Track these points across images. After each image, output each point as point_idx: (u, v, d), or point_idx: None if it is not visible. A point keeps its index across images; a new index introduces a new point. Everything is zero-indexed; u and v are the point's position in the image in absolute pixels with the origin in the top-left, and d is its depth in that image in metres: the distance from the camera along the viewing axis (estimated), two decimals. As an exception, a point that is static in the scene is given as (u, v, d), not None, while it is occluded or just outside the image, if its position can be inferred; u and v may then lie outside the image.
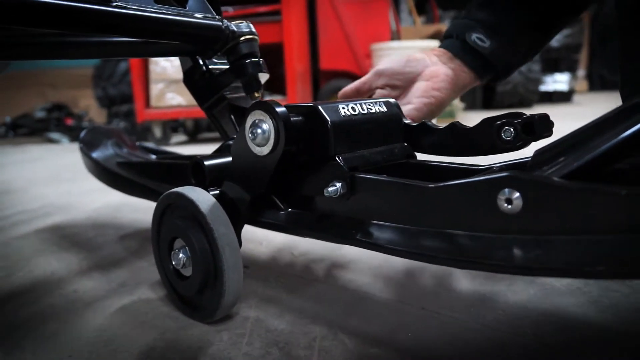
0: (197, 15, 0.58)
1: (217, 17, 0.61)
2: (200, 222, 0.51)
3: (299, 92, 2.58)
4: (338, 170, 0.45)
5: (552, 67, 4.95)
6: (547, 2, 0.67)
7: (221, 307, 0.51)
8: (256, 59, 0.63)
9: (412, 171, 0.52)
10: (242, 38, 0.62)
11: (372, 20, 2.96)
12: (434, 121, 0.56)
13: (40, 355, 0.50)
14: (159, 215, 0.57)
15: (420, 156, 0.54)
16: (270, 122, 0.45)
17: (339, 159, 0.46)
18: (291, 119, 0.45)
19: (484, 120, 0.48)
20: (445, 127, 0.52)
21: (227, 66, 0.65)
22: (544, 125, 0.45)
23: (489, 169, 0.46)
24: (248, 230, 0.59)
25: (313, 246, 0.79)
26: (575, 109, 4.01)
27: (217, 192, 0.55)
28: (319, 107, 0.46)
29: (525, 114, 0.46)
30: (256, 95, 0.64)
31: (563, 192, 0.32)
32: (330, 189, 0.45)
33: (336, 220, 0.50)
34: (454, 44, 0.68)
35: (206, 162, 0.56)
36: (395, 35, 3.17)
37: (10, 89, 4.83)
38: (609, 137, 0.34)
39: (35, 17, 0.44)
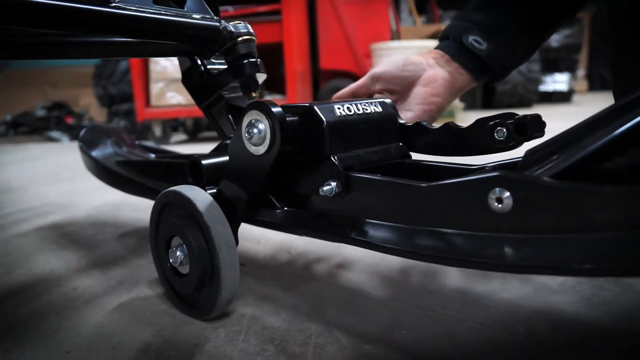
0: (195, 16, 0.59)
1: (215, 17, 0.61)
2: (198, 221, 0.51)
3: (298, 92, 2.59)
4: (333, 169, 0.46)
5: (552, 67, 4.96)
6: (545, 2, 0.67)
7: (218, 305, 0.52)
8: (254, 59, 0.64)
9: (407, 171, 0.52)
10: (239, 38, 0.63)
11: (372, 20, 2.97)
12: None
13: (39, 352, 0.51)
14: (157, 214, 0.58)
15: (416, 156, 0.55)
16: (266, 122, 0.46)
17: (334, 158, 0.46)
18: (287, 119, 0.46)
19: (478, 121, 0.49)
20: (439, 128, 0.52)
21: (225, 66, 0.66)
22: (535, 126, 0.46)
23: (481, 169, 0.47)
24: (246, 228, 0.60)
25: (309, 245, 0.80)
26: (575, 109, 4.02)
27: (214, 190, 0.56)
28: (315, 107, 0.47)
29: (517, 115, 0.47)
30: (253, 95, 0.65)
31: (552, 191, 0.33)
32: (325, 188, 0.45)
33: (331, 219, 0.51)
34: (451, 45, 0.68)
35: (203, 162, 0.57)
36: (396, 35, 3.18)
37: (10, 88, 4.84)
38: (598, 136, 0.35)
39: (35, 18, 0.45)
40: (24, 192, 1.49)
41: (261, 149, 0.48)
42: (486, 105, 4.71)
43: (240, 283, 0.58)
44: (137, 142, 1.02)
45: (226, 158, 0.56)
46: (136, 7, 0.52)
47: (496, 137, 0.47)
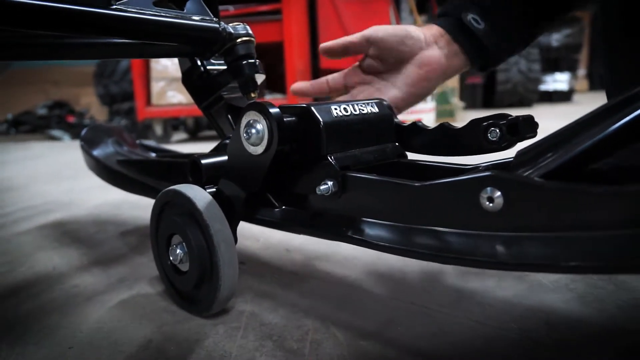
0: (194, 17, 0.60)
1: (214, 19, 0.62)
2: (197, 219, 0.52)
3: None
4: (330, 169, 0.47)
5: (553, 66, 4.97)
6: None
7: (217, 302, 0.53)
8: (252, 60, 0.65)
9: (403, 170, 0.53)
10: (238, 40, 0.63)
11: (373, 20, 2.97)
12: (426, 122, 0.57)
13: (42, 347, 0.52)
14: (157, 212, 0.59)
15: (412, 155, 0.56)
16: (264, 122, 0.47)
17: (330, 158, 0.47)
18: (284, 119, 0.47)
19: (472, 122, 0.50)
20: (434, 128, 0.53)
21: (225, 67, 0.67)
22: (528, 126, 0.47)
23: (475, 169, 0.48)
24: (246, 227, 0.60)
25: (307, 243, 0.81)
26: (575, 108, 4.02)
27: (214, 189, 0.57)
28: (312, 108, 0.48)
29: (510, 116, 0.47)
30: (252, 95, 0.65)
31: (541, 191, 0.34)
32: (322, 187, 0.46)
33: (329, 217, 0.52)
34: (449, 22, 0.67)
35: (203, 161, 0.58)
36: (396, 35, 3.18)
37: (12, 86, 4.85)
38: (587, 137, 0.36)
39: (37, 20, 0.46)
40: (25, 190, 1.50)
41: (259, 149, 0.49)
42: (486, 105, 4.72)
43: (239, 280, 0.59)
44: (137, 141, 1.03)
45: (225, 158, 0.57)
46: (137, 9, 0.53)
47: (490, 137, 0.48)
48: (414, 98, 0.66)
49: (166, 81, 2.76)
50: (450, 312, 0.55)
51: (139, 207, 1.15)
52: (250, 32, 0.65)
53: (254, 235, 0.87)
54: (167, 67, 2.72)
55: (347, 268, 0.70)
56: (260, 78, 0.66)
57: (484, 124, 0.48)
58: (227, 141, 0.60)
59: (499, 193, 0.35)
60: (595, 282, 0.61)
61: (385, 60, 0.68)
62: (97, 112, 4.68)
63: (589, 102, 4.57)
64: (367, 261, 0.72)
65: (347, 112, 0.50)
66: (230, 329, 0.53)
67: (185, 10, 0.61)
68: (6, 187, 1.59)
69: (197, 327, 0.54)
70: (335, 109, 0.49)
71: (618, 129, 0.34)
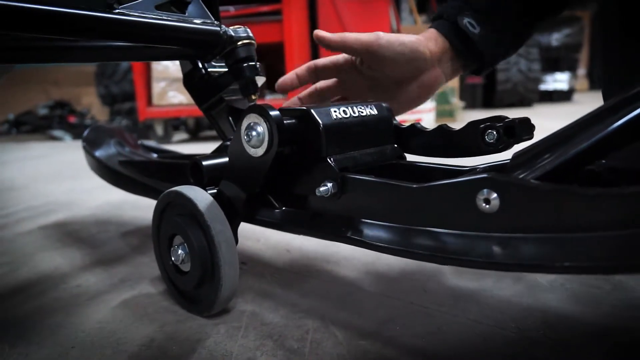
0: (196, 21, 0.61)
1: (215, 22, 0.63)
2: (198, 220, 0.53)
3: (299, 91, 2.60)
4: (329, 171, 0.48)
5: (553, 66, 4.97)
6: None
7: (218, 301, 0.54)
8: (253, 63, 0.65)
9: (402, 172, 0.54)
10: (239, 43, 0.64)
11: (373, 20, 2.98)
12: (426, 122, 0.57)
13: (45, 347, 0.52)
14: (159, 213, 0.60)
15: (410, 157, 0.57)
16: (264, 125, 0.48)
17: (330, 160, 0.48)
18: (284, 122, 0.48)
19: (470, 124, 0.50)
20: (433, 130, 0.54)
21: (226, 69, 0.68)
22: (524, 129, 0.47)
23: (472, 170, 0.48)
24: (247, 227, 0.61)
25: (308, 243, 0.82)
26: (575, 108, 4.03)
27: (215, 191, 0.58)
28: (312, 111, 0.48)
29: (507, 118, 0.48)
30: (253, 97, 0.66)
31: (536, 193, 0.35)
32: (321, 188, 0.47)
33: (328, 218, 0.52)
34: (445, 25, 0.66)
35: (204, 162, 0.59)
36: (396, 35, 3.19)
37: (13, 86, 4.86)
38: (581, 140, 0.36)
39: (42, 25, 0.46)
40: (27, 190, 1.50)
41: (260, 151, 0.49)
42: (486, 105, 4.72)
43: (240, 280, 0.60)
44: (139, 142, 1.04)
45: (226, 159, 0.58)
46: (139, 13, 0.54)
47: (487, 139, 0.49)
48: (410, 108, 0.66)
49: (167, 81, 2.76)
50: (449, 311, 0.56)
51: (139, 208, 1.15)
52: (250, 35, 0.66)
53: (255, 236, 0.88)
54: (168, 67, 2.73)
55: (347, 268, 0.71)
56: (260, 80, 0.67)
57: (482, 126, 0.49)
58: (228, 143, 0.60)
59: (495, 195, 0.36)
60: (591, 281, 0.61)
61: (387, 74, 0.65)
62: (98, 112, 4.69)
63: (589, 102, 4.57)
64: (366, 261, 0.72)
65: (346, 114, 0.51)
66: (231, 329, 0.54)
67: (186, 14, 0.62)
68: (8, 187, 1.59)
69: (199, 326, 0.55)
70: (335, 111, 0.50)
71: (612, 132, 0.35)
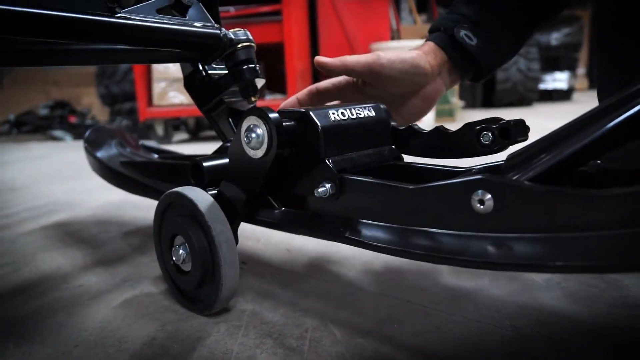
0: (196, 24, 0.61)
1: (215, 25, 0.64)
2: (199, 220, 0.54)
3: (299, 91, 2.60)
4: (327, 172, 0.48)
5: (552, 65, 4.97)
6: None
7: (218, 301, 0.55)
8: (253, 65, 0.66)
9: (399, 173, 0.55)
10: (239, 45, 0.65)
11: (373, 19, 2.98)
12: (425, 122, 0.58)
13: (48, 345, 0.53)
14: (160, 214, 0.60)
15: (408, 158, 0.57)
16: (263, 127, 0.48)
17: (328, 161, 0.49)
18: (283, 124, 0.48)
19: (466, 125, 0.51)
20: (430, 131, 0.55)
21: (226, 71, 0.68)
22: (519, 130, 0.48)
23: (468, 171, 0.49)
24: (247, 227, 0.62)
25: (307, 243, 0.82)
26: (575, 107, 4.03)
27: (215, 191, 0.58)
28: (310, 113, 0.49)
29: (502, 120, 0.49)
30: (252, 99, 0.67)
31: (529, 194, 0.35)
32: (320, 189, 0.48)
33: (327, 219, 0.53)
34: (442, 38, 0.66)
35: (205, 164, 0.59)
36: (396, 34, 3.19)
37: (13, 87, 4.86)
38: (575, 141, 0.37)
39: (47, 29, 0.47)
40: (28, 191, 1.51)
41: (259, 153, 0.50)
42: (486, 104, 4.72)
43: (241, 280, 0.61)
44: (140, 143, 1.05)
45: (226, 160, 0.59)
46: (140, 17, 0.55)
47: (482, 140, 0.49)
48: (414, 121, 0.67)
49: (167, 82, 2.77)
50: (446, 310, 0.57)
51: (140, 208, 1.16)
52: (250, 37, 0.66)
53: (255, 236, 0.88)
54: (169, 68, 2.73)
55: (346, 267, 0.71)
56: (260, 82, 0.67)
57: (477, 127, 0.50)
58: (228, 144, 0.61)
59: (489, 196, 0.37)
60: (586, 280, 0.62)
61: (389, 91, 0.65)
62: (99, 112, 4.70)
63: (589, 101, 4.57)
64: (365, 261, 0.73)
65: (344, 116, 0.52)
66: (232, 327, 0.55)
67: (187, 17, 0.62)
68: (10, 187, 1.60)
69: (200, 325, 0.56)
70: (333, 113, 0.51)
71: (604, 133, 0.36)
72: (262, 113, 0.48)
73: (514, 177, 0.38)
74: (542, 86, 4.85)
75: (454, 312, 0.56)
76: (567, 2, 0.68)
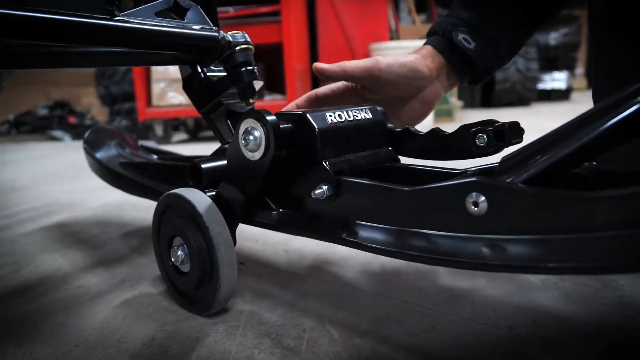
0: (195, 27, 0.62)
1: (214, 28, 0.64)
2: (197, 222, 0.54)
3: (298, 92, 2.61)
4: (324, 174, 0.49)
5: (551, 65, 4.98)
6: (529, 2, 0.66)
7: (217, 301, 0.55)
8: (251, 67, 0.67)
9: (396, 174, 0.55)
10: (237, 47, 0.65)
11: (372, 20, 2.99)
12: (424, 122, 0.58)
13: (49, 346, 0.54)
14: (159, 215, 0.61)
15: (405, 160, 0.58)
16: (261, 129, 0.49)
17: (325, 163, 0.49)
18: (281, 126, 0.49)
19: (461, 127, 0.52)
20: (426, 133, 0.55)
21: (224, 73, 0.69)
22: (513, 133, 0.49)
23: (463, 173, 0.50)
24: (246, 228, 0.62)
25: (305, 244, 0.83)
26: (573, 107, 4.04)
27: (213, 193, 0.59)
28: (307, 115, 0.50)
29: (497, 122, 0.49)
30: (251, 101, 0.67)
31: (522, 196, 0.36)
32: (317, 191, 0.48)
33: (324, 220, 0.54)
34: (440, 42, 0.67)
35: (203, 165, 0.60)
36: (395, 35, 3.20)
37: (13, 87, 4.86)
38: (568, 143, 0.38)
39: (47, 33, 0.48)
40: (28, 191, 1.52)
41: (257, 155, 0.51)
42: (485, 104, 4.73)
43: (239, 280, 0.62)
44: (139, 144, 1.05)
45: (224, 162, 0.59)
46: (139, 20, 0.55)
47: (477, 143, 0.50)
48: (413, 125, 0.67)
49: (166, 82, 2.78)
50: (442, 310, 0.57)
51: (140, 208, 1.17)
52: (248, 39, 0.67)
53: (254, 236, 0.89)
54: (168, 68, 2.74)
55: (344, 268, 0.72)
56: (258, 84, 0.68)
57: (472, 130, 0.50)
58: (227, 146, 0.62)
59: (483, 198, 0.38)
60: (582, 280, 0.63)
61: (388, 95, 0.66)
62: (98, 112, 4.70)
63: (587, 101, 4.55)
64: (362, 261, 0.74)
65: (341, 118, 0.52)
66: (230, 328, 0.55)
67: (186, 20, 0.63)
68: (10, 187, 1.61)
69: (198, 325, 0.56)
70: (330, 115, 0.51)
71: (597, 135, 0.36)
72: (259, 115, 0.49)
73: (508, 180, 0.39)
74: (541, 86, 4.86)
75: (450, 312, 0.56)
76: (564, 4, 0.68)
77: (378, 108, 0.57)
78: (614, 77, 0.67)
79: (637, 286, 0.61)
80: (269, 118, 0.48)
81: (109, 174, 0.94)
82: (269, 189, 0.56)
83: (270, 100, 2.69)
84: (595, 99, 0.70)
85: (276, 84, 2.80)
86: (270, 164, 0.51)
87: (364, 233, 0.49)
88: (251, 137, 0.50)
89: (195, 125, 3.27)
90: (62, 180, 1.70)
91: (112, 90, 3.82)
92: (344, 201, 0.48)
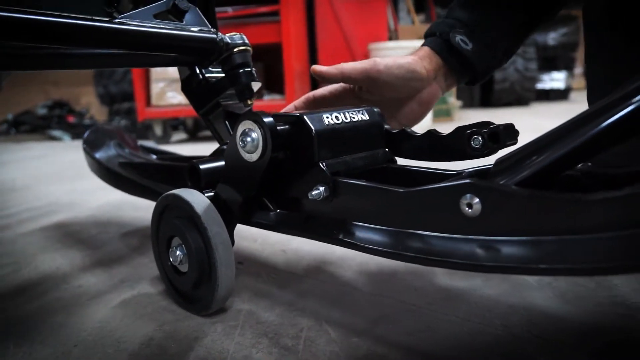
0: (193, 29, 0.62)
1: (212, 30, 0.65)
2: (196, 222, 0.55)
3: (297, 91, 2.61)
4: (321, 175, 0.49)
5: (549, 65, 4.98)
6: (526, 3, 0.66)
7: (215, 301, 0.56)
8: (249, 69, 0.67)
9: (392, 175, 0.56)
10: (235, 49, 0.66)
11: (371, 20, 2.99)
12: (423, 122, 0.58)
13: (48, 345, 0.54)
14: (158, 215, 0.61)
15: (401, 161, 0.58)
16: (258, 131, 0.49)
17: (322, 164, 0.50)
18: (278, 128, 0.49)
19: (457, 129, 0.52)
20: (422, 135, 0.56)
21: (222, 74, 0.69)
22: (508, 135, 0.49)
23: (459, 175, 0.50)
24: (244, 228, 0.63)
25: (303, 244, 0.83)
26: (572, 107, 4.04)
27: (212, 194, 0.59)
28: (304, 117, 0.50)
29: (492, 124, 0.50)
30: (249, 102, 0.68)
31: (515, 198, 0.37)
32: (314, 192, 0.49)
33: (321, 221, 0.54)
34: (438, 43, 0.67)
35: (201, 166, 0.60)
36: (394, 35, 3.20)
37: (12, 86, 4.85)
38: (562, 146, 0.38)
39: (47, 35, 0.48)
40: (28, 191, 1.52)
41: (254, 156, 0.51)
42: (484, 104, 4.73)
43: (237, 280, 0.62)
44: (139, 144, 1.06)
45: (223, 163, 0.60)
46: (138, 22, 0.56)
47: (473, 144, 0.50)
48: (411, 126, 0.67)
49: (166, 82, 2.78)
50: (438, 309, 0.58)
51: (139, 208, 1.17)
52: (246, 41, 0.67)
53: (252, 236, 0.89)
54: (167, 68, 2.74)
55: (341, 268, 0.73)
56: (256, 86, 0.68)
57: (468, 131, 0.50)
58: (225, 147, 0.62)
59: (477, 199, 0.38)
60: (576, 280, 0.63)
61: (386, 97, 0.66)
62: (97, 112, 4.70)
63: (586, 101, 4.57)
64: (360, 261, 0.74)
65: (338, 120, 0.53)
66: (228, 327, 0.56)
67: (184, 22, 0.63)
68: (10, 187, 1.61)
69: (197, 325, 0.57)
70: (327, 117, 0.52)
71: (590, 137, 0.37)
72: (257, 117, 0.49)
73: (502, 181, 0.39)
74: (540, 86, 4.86)
75: (446, 312, 0.57)
76: (563, 4, 0.69)
77: (375, 109, 0.58)
78: (614, 77, 0.68)
79: (631, 286, 0.61)
80: (266, 120, 0.49)
81: (109, 174, 0.94)
82: (267, 190, 0.57)
83: (269, 100, 2.70)
84: (591, 100, 0.70)
85: (275, 84, 2.81)
86: (268, 165, 0.51)
87: (360, 234, 0.49)
88: (249, 139, 0.50)
89: (194, 125, 3.27)
90: (62, 180, 1.70)
91: (111, 90, 3.82)
92: (340, 202, 0.49)
